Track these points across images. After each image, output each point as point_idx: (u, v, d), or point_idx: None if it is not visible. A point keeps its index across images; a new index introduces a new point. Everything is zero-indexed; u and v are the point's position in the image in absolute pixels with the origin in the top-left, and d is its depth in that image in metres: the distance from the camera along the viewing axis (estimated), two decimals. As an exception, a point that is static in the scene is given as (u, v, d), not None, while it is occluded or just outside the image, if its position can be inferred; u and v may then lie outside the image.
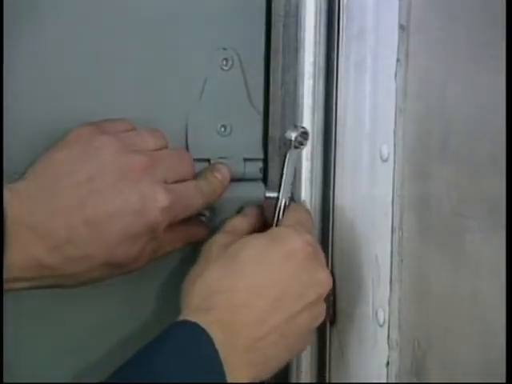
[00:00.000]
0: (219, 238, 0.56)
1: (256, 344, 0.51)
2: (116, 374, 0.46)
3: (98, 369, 0.61)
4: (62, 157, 0.52)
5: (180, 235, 0.58)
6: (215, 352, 0.48)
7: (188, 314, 0.50)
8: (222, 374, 0.48)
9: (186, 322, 0.49)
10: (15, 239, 0.48)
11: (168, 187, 0.53)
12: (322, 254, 0.56)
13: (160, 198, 0.52)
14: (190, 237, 0.59)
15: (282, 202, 0.59)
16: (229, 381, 0.48)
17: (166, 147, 0.57)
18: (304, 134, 0.58)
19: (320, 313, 0.55)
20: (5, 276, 0.48)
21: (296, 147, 0.58)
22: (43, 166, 0.52)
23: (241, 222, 0.59)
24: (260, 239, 0.54)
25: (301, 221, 0.57)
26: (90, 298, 0.60)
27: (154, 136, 0.56)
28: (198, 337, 0.48)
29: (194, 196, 0.56)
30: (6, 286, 0.49)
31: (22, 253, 0.49)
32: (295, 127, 0.59)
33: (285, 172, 0.59)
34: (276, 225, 0.58)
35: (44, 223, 0.50)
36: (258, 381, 0.52)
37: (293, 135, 0.58)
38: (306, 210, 0.60)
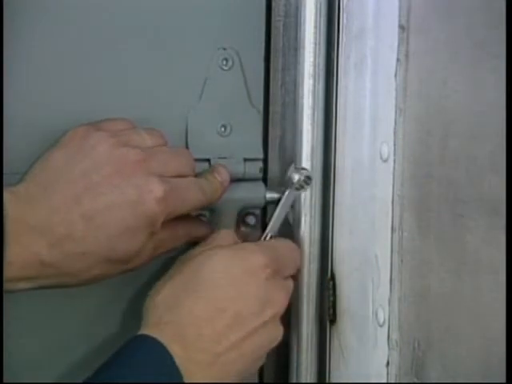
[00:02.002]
0: (190, 251, 0.56)
1: (217, 360, 0.51)
2: None
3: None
4: (58, 156, 0.53)
5: (180, 233, 0.58)
6: (175, 368, 0.48)
7: (149, 328, 0.51)
8: None
9: (145, 337, 0.49)
10: (16, 237, 0.49)
11: (163, 179, 0.53)
12: (281, 276, 0.56)
13: (155, 189, 0.52)
14: (191, 235, 0.59)
15: (268, 237, 0.59)
16: None
17: (164, 146, 0.57)
18: (307, 179, 0.59)
19: (276, 334, 0.55)
20: (6, 275, 0.48)
21: (297, 189, 0.59)
22: (41, 167, 0.53)
23: (226, 236, 0.59)
24: (224, 253, 0.54)
25: (272, 247, 0.57)
26: (88, 297, 0.60)
27: (152, 134, 0.56)
28: (157, 352, 0.49)
29: (192, 190, 0.56)
30: (8, 287, 0.49)
31: (22, 250, 0.49)
32: (299, 169, 0.59)
33: (279, 209, 0.59)
34: None
35: (43, 220, 0.50)
36: None
37: (296, 177, 0.58)
38: (290, 247, 0.59)
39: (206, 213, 0.62)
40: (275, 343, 0.55)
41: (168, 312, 0.51)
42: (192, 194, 0.56)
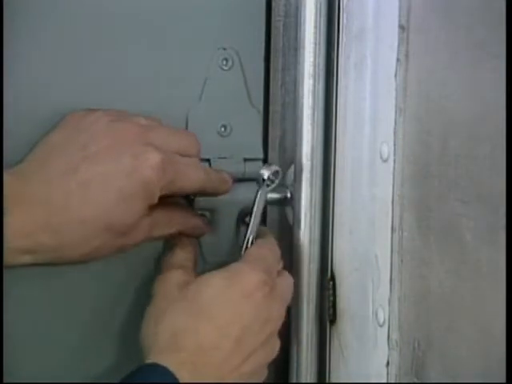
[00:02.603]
0: (173, 277, 0.56)
1: None
2: None
3: (99, 368, 0.61)
4: (57, 137, 0.54)
5: (178, 219, 0.58)
6: None
7: (156, 356, 0.50)
8: None
9: (155, 366, 0.49)
10: (15, 210, 0.49)
11: (161, 150, 0.53)
12: (278, 289, 0.56)
13: (150, 157, 0.53)
14: (187, 225, 0.59)
15: (250, 239, 0.59)
16: None
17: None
18: (276, 173, 0.59)
19: (274, 348, 0.56)
20: (7, 247, 0.49)
21: (267, 185, 0.59)
22: (40, 148, 0.54)
23: (187, 256, 0.58)
24: (219, 278, 0.54)
25: (260, 257, 0.57)
26: (88, 292, 0.60)
27: (150, 119, 0.57)
28: (168, 380, 0.49)
29: (193, 167, 0.56)
30: (9, 261, 0.49)
31: (22, 222, 0.50)
32: (268, 166, 0.59)
33: (255, 210, 0.59)
34: None
35: (41, 192, 0.51)
36: None
37: (266, 174, 0.58)
38: (271, 247, 0.59)
39: (207, 213, 0.62)
40: (273, 357, 0.56)
41: (175, 339, 0.51)
42: (193, 171, 0.56)
